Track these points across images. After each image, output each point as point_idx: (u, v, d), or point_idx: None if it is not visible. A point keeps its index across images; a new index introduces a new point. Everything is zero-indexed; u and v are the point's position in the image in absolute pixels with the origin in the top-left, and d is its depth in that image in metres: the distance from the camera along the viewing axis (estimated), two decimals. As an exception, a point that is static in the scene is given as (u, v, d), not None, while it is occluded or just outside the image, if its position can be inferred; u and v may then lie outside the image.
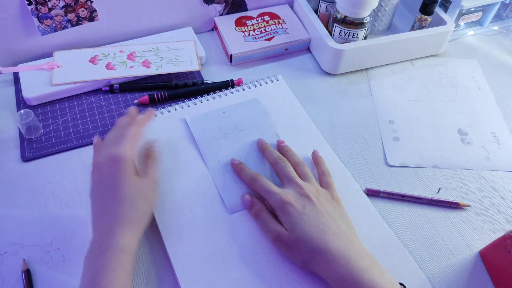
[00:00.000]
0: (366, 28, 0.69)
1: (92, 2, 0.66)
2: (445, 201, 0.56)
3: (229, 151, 0.58)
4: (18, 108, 0.63)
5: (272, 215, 0.49)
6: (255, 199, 0.50)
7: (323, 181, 0.53)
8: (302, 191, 0.48)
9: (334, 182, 0.53)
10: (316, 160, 0.56)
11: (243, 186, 0.54)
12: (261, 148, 0.57)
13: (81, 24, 0.68)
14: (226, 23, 0.75)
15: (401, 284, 0.44)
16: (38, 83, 0.64)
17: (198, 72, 0.70)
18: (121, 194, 0.45)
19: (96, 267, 0.41)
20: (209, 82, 0.68)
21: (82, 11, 0.66)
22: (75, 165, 0.57)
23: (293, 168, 0.52)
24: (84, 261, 0.43)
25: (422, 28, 0.73)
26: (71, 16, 0.66)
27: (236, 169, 0.55)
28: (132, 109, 0.55)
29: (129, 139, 0.48)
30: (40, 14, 0.63)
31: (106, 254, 0.41)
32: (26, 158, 0.57)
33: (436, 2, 0.70)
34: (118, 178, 0.45)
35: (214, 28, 0.78)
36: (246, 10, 0.79)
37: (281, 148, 0.57)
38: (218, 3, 0.75)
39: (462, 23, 0.80)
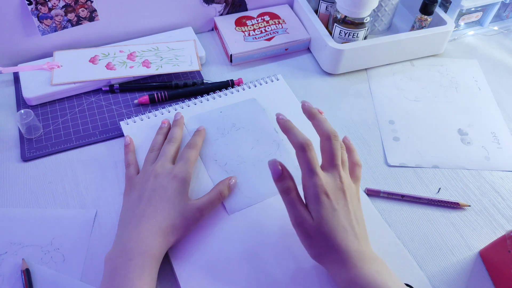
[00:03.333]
0: (366, 28, 0.69)
1: (92, 2, 0.66)
2: (445, 201, 0.56)
3: (227, 150, 0.58)
4: (18, 108, 0.63)
5: (301, 197, 0.45)
6: (287, 172, 0.45)
7: (354, 172, 0.49)
8: (341, 185, 0.45)
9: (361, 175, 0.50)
10: (348, 146, 0.51)
11: (242, 187, 0.54)
12: (310, 114, 0.48)
13: (81, 24, 0.68)
14: (226, 23, 0.75)
15: (408, 285, 0.44)
16: (38, 83, 0.64)
17: (198, 72, 0.70)
18: (169, 207, 0.47)
19: (122, 271, 0.41)
20: (209, 82, 0.68)
21: (82, 11, 0.66)
22: (75, 165, 0.57)
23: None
24: (106, 262, 0.43)
25: (422, 28, 0.73)
26: (71, 16, 0.66)
27: (284, 126, 0.47)
28: (180, 120, 0.59)
29: (190, 162, 0.52)
30: (40, 14, 0.63)
31: (135, 258, 0.42)
32: (26, 158, 0.57)
33: (436, 2, 0.70)
34: (174, 194, 0.48)
35: (214, 28, 0.78)
36: (246, 10, 0.79)
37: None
38: (218, 3, 0.75)
39: (462, 23, 0.80)
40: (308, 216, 0.44)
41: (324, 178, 0.44)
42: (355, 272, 0.41)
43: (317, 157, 0.45)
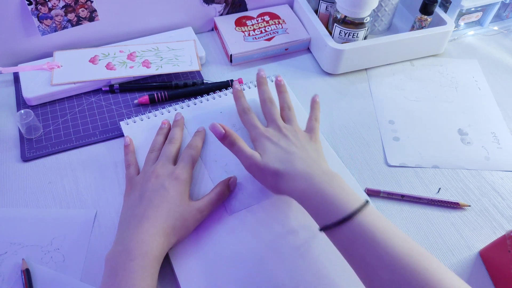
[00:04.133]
0: (366, 28, 0.69)
1: (92, 2, 0.66)
2: (445, 201, 0.56)
3: (227, 151, 0.58)
4: (18, 108, 0.63)
5: (246, 145, 0.51)
6: (228, 129, 0.50)
7: (308, 125, 0.55)
8: (280, 130, 0.52)
9: (318, 127, 0.55)
10: (312, 105, 0.58)
11: (242, 187, 0.54)
12: (258, 82, 0.59)
13: (81, 24, 0.68)
14: (226, 23, 0.75)
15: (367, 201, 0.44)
16: (38, 83, 0.64)
17: (198, 72, 0.70)
18: (169, 208, 0.47)
19: (123, 271, 0.41)
20: (209, 82, 0.68)
21: (82, 11, 0.66)
22: (75, 165, 0.57)
23: (280, 110, 0.57)
24: (106, 262, 0.43)
25: (422, 28, 0.73)
26: (71, 16, 0.66)
27: (235, 95, 0.58)
28: (181, 121, 0.60)
29: (191, 163, 0.53)
30: (40, 14, 0.63)
31: (136, 259, 0.42)
32: (26, 158, 0.57)
33: (436, 2, 0.70)
34: (174, 194, 0.49)
35: (214, 28, 0.78)
36: (246, 10, 0.79)
37: (277, 85, 0.59)
38: (218, 3, 0.75)
39: (462, 23, 0.80)
40: (256, 154, 0.50)
41: (264, 128, 0.53)
42: (303, 186, 0.45)
43: (261, 121, 0.55)
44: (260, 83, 0.59)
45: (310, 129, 0.55)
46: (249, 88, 0.66)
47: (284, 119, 0.55)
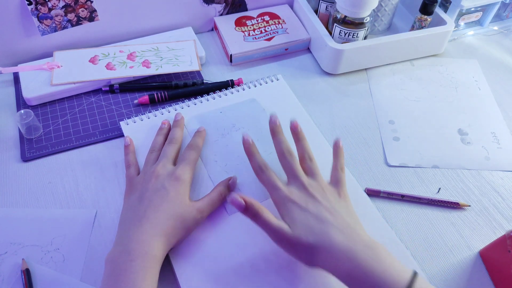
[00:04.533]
0: (366, 28, 0.69)
1: (92, 2, 0.66)
2: (445, 201, 0.56)
3: (227, 151, 0.58)
4: (18, 108, 0.63)
5: (271, 214, 0.46)
6: (249, 199, 0.45)
7: (333, 176, 0.50)
8: (306, 190, 0.46)
9: (345, 179, 0.50)
10: (334, 151, 0.51)
11: (242, 187, 0.54)
12: (272, 131, 0.52)
13: (81, 24, 0.68)
14: (226, 23, 0.75)
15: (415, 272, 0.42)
16: (38, 83, 0.64)
17: (198, 72, 0.70)
18: (170, 208, 0.47)
19: (124, 271, 0.41)
20: (209, 82, 0.68)
21: (82, 11, 0.66)
22: (75, 165, 0.57)
23: (300, 161, 0.50)
24: (106, 262, 0.43)
25: (422, 28, 0.73)
26: (71, 16, 0.66)
27: (248, 151, 0.52)
28: (181, 121, 0.59)
29: (191, 163, 0.53)
30: (40, 14, 0.63)
31: (137, 259, 0.42)
32: (26, 158, 0.57)
33: (436, 2, 0.70)
34: (175, 195, 0.48)
35: (214, 28, 0.78)
36: (246, 10, 0.79)
37: (294, 132, 0.52)
38: (218, 3, 0.75)
39: (462, 23, 0.80)
40: (285, 225, 0.44)
41: (287, 189, 0.47)
42: (348, 266, 0.41)
43: (279, 178, 0.49)
44: (275, 132, 0.52)
45: (336, 181, 0.49)
46: (249, 88, 0.66)
47: (306, 172, 0.49)
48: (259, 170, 0.50)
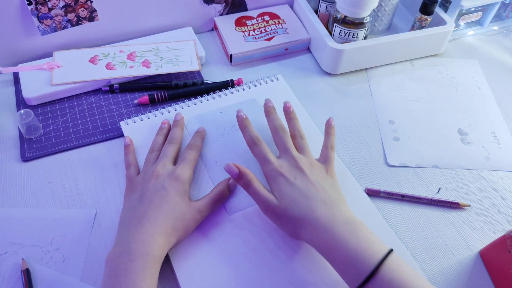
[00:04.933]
0: (366, 28, 0.69)
1: (92, 2, 0.66)
2: (445, 201, 0.56)
3: (227, 150, 0.58)
4: (18, 108, 0.63)
5: (262, 184, 0.49)
6: (243, 168, 0.48)
7: (322, 154, 0.53)
8: (296, 164, 0.49)
9: (334, 157, 0.52)
10: (326, 130, 0.54)
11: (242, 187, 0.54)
12: (266, 111, 0.56)
13: (81, 24, 0.68)
14: (226, 23, 0.75)
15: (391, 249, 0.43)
16: (38, 83, 0.64)
17: (198, 72, 0.70)
18: (170, 208, 0.47)
19: (124, 271, 0.41)
20: (209, 82, 0.68)
21: (82, 11, 0.66)
22: (75, 165, 0.57)
23: (292, 139, 0.53)
24: (107, 262, 0.43)
25: (422, 28, 0.73)
26: (71, 16, 0.66)
27: (241, 124, 0.54)
28: (181, 121, 0.59)
29: (191, 163, 0.53)
30: (40, 14, 0.63)
31: (137, 259, 0.42)
32: (26, 158, 0.57)
33: (436, 2, 0.70)
34: (175, 195, 0.48)
35: (214, 28, 0.78)
36: (246, 10, 0.79)
37: (286, 112, 0.56)
38: (218, 3, 0.75)
39: (462, 23, 0.80)
40: (272, 197, 0.47)
41: (278, 162, 0.49)
42: (326, 238, 0.43)
43: (272, 151, 0.51)
44: (268, 112, 0.56)
45: (325, 159, 0.52)
46: (249, 88, 0.66)
47: (297, 149, 0.52)
48: (252, 142, 0.52)
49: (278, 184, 0.47)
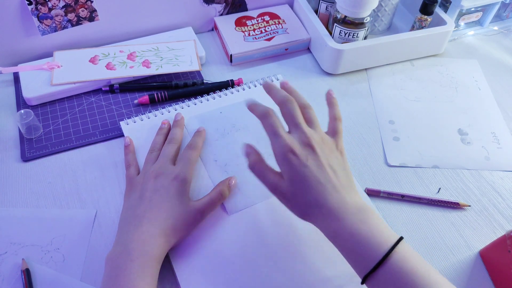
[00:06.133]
0: (366, 28, 0.69)
1: (92, 2, 0.66)
2: (445, 201, 0.56)
3: (227, 151, 0.58)
4: (18, 108, 0.63)
5: (267, 165, 0.47)
6: (252, 149, 0.47)
7: (331, 126, 0.49)
8: (308, 140, 0.44)
9: (342, 129, 0.49)
10: (329, 101, 0.51)
11: (242, 187, 0.54)
12: (266, 88, 0.50)
13: (81, 24, 0.68)
14: (226, 23, 0.75)
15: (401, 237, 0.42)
16: (38, 83, 0.64)
17: (198, 72, 0.70)
18: (170, 208, 0.47)
19: (124, 271, 0.41)
20: (209, 82, 0.68)
21: (82, 11, 0.66)
22: (75, 165, 0.57)
23: (300, 109, 0.48)
24: (107, 262, 0.43)
25: (422, 28, 0.73)
26: (71, 16, 0.66)
27: (250, 105, 0.49)
28: (181, 121, 0.59)
29: (191, 163, 0.53)
30: (40, 14, 0.63)
31: (137, 259, 0.42)
32: (26, 158, 0.57)
33: (436, 2, 0.70)
34: (174, 195, 0.48)
35: (214, 28, 0.78)
36: (246, 10, 0.79)
37: (285, 89, 0.51)
38: (218, 3, 0.75)
39: (462, 23, 0.80)
40: (280, 179, 0.44)
41: (288, 138, 0.44)
42: (338, 224, 0.41)
43: (283, 125, 0.46)
44: (270, 88, 0.50)
45: (334, 132, 0.48)
46: (249, 88, 0.66)
47: (306, 120, 0.47)
48: (264, 115, 0.46)
49: (289, 165, 0.44)
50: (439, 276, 0.39)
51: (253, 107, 0.49)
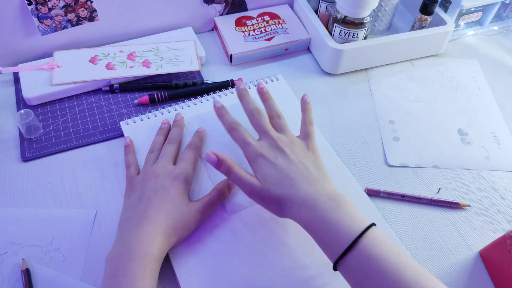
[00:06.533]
0: (366, 28, 0.69)
1: (92, 2, 0.66)
2: (445, 201, 0.56)
3: (227, 151, 0.58)
4: (18, 108, 0.63)
5: (243, 169, 0.49)
6: (222, 155, 0.48)
7: (302, 130, 0.52)
8: (276, 144, 0.48)
9: (314, 132, 0.52)
10: (302, 106, 0.54)
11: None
12: (239, 95, 0.55)
13: (81, 24, 0.68)
14: (226, 23, 0.75)
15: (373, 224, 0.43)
16: (38, 83, 0.64)
17: (198, 72, 0.70)
18: (170, 208, 0.47)
19: (124, 271, 0.41)
20: (209, 82, 0.68)
21: (82, 11, 0.66)
22: (75, 165, 0.57)
23: (269, 120, 0.53)
24: (107, 262, 0.43)
25: (422, 28, 0.73)
26: (71, 16, 0.66)
27: (218, 113, 0.54)
28: (181, 121, 0.60)
29: (191, 163, 0.53)
30: (40, 14, 0.63)
31: (137, 259, 0.42)
32: (26, 158, 0.57)
33: (436, 2, 0.70)
34: (174, 195, 0.48)
35: (214, 28, 0.78)
36: (246, 10, 0.79)
37: (261, 93, 0.56)
38: (218, 3, 0.75)
39: (462, 23, 0.80)
40: (255, 180, 0.47)
41: (257, 144, 0.49)
42: (309, 214, 0.43)
43: (251, 135, 0.50)
44: (242, 95, 0.55)
45: (305, 135, 0.51)
46: (249, 88, 0.66)
47: (276, 129, 0.52)
48: (231, 128, 0.51)
49: (260, 166, 0.47)
50: (410, 262, 0.39)
51: (220, 116, 0.53)
